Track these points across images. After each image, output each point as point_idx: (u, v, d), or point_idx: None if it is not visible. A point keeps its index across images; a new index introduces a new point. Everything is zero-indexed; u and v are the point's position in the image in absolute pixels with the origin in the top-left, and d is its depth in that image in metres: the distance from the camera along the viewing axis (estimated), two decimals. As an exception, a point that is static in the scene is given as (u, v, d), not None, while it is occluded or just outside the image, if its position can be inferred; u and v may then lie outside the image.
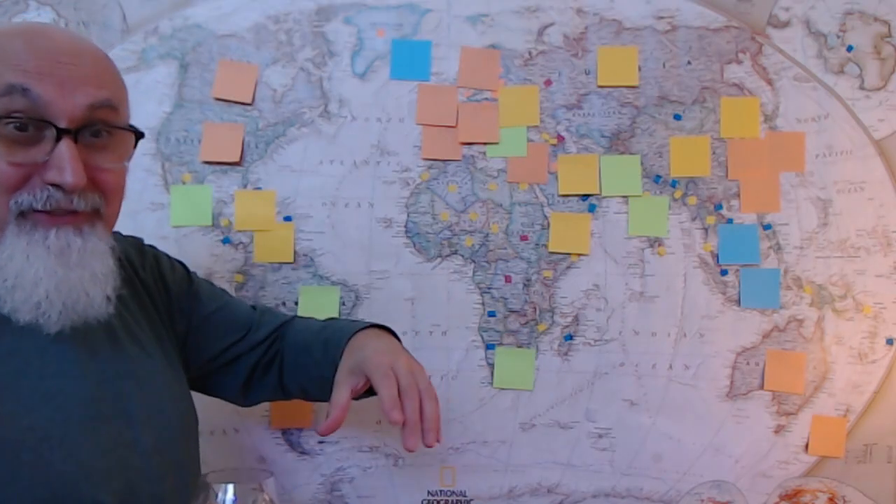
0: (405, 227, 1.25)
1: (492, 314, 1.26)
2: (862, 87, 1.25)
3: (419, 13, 1.25)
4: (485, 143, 1.25)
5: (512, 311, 1.26)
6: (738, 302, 1.25)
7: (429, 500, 1.26)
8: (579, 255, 1.26)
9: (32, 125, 0.65)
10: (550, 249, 1.26)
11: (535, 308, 1.26)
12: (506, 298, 1.26)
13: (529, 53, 1.26)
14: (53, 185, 0.66)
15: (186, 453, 0.83)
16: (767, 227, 1.25)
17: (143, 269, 0.89)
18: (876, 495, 1.26)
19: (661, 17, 1.26)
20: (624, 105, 1.26)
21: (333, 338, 0.91)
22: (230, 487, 0.65)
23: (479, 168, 1.25)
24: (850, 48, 1.25)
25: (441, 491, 1.26)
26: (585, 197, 1.26)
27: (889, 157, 1.25)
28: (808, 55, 1.25)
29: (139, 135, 0.75)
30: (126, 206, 1.18)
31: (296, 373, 0.96)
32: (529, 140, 1.26)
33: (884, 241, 1.25)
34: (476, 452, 1.26)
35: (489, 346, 1.25)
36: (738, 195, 1.25)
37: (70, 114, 0.66)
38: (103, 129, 0.70)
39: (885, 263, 1.25)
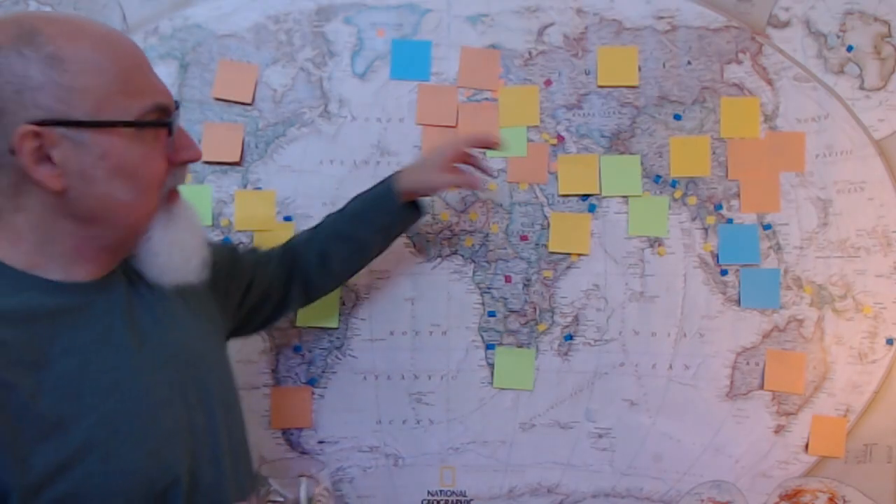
0: (405, 227, 1.25)
1: (492, 314, 1.26)
2: (862, 87, 1.25)
3: (419, 13, 1.25)
4: (485, 143, 1.25)
5: (512, 311, 1.26)
6: (738, 302, 1.25)
7: (429, 500, 1.26)
8: (579, 255, 1.26)
9: (166, 121, 0.75)
10: (550, 249, 1.26)
11: (535, 308, 1.26)
12: (506, 298, 1.25)
13: (529, 53, 1.26)
14: (187, 161, 0.77)
15: (235, 433, 0.87)
16: (767, 227, 1.25)
17: None
18: (876, 495, 1.26)
19: (661, 17, 1.26)
20: (624, 105, 1.26)
21: (377, 192, 1.11)
22: (303, 483, 0.67)
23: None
24: (850, 48, 1.25)
25: (441, 491, 1.26)
26: (585, 197, 1.26)
27: (889, 157, 1.25)
28: (808, 55, 1.25)
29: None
30: (126, 206, 1.19)
31: (346, 247, 1.10)
32: (529, 140, 1.26)
33: (884, 241, 1.25)
34: (476, 452, 1.26)
35: (489, 346, 1.25)
36: (738, 195, 1.25)
37: (172, 103, 0.76)
38: None
39: (885, 263, 1.25)
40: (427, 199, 1.17)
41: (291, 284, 1.09)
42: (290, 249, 1.10)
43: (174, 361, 0.79)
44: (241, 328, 1.06)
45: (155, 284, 0.80)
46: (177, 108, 0.76)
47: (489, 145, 1.12)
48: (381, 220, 1.11)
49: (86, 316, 0.73)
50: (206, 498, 0.76)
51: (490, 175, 1.17)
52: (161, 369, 0.77)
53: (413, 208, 1.13)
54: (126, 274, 0.80)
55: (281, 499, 0.67)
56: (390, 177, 1.10)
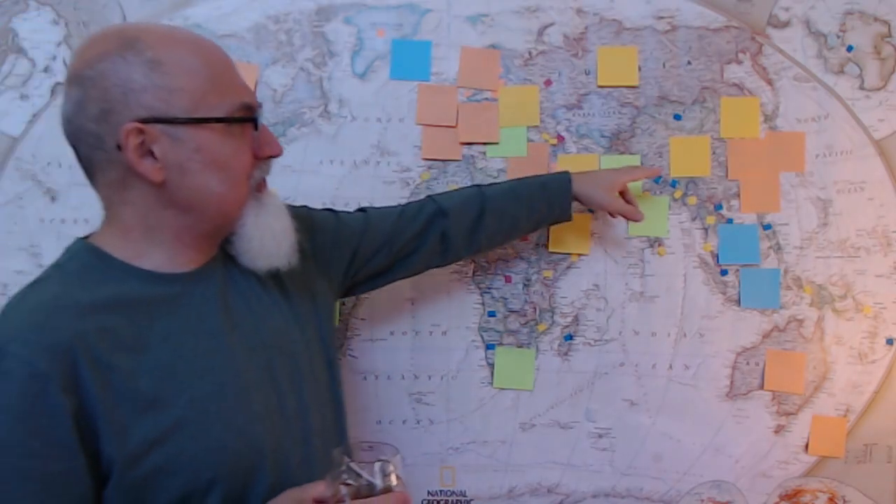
0: (405, 227, 1.24)
1: (492, 314, 1.26)
2: (862, 87, 1.25)
3: (419, 13, 1.25)
4: (485, 143, 1.25)
5: (512, 311, 1.26)
6: (738, 302, 1.25)
7: (429, 500, 1.26)
8: (579, 255, 1.26)
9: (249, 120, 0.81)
10: (550, 249, 1.26)
11: (535, 308, 1.26)
12: (506, 298, 1.26)
13: (529, 53, 1.26)
14: (271, 156, 0.83)
15: (327, 414, 0.92)
16: (767, 227, 1.25)
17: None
18: (876, 495, 1.26)
19: (661, 17, 1.26)
20: (624, 105, 1.26)
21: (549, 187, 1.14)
22: (378, 466, 0.70)
23: (479, 168, 1.25)
24: (850, 48, 1.25)
25: (441, 491, 1.26)
26: (585, 197, 1.26)
27: (889, 157, 1.25)
28: (808, 55, 1.25)
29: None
30: (126, 206, 1.19)
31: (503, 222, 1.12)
32: (529, 140, 1.26)
33: (884, 241, 1.25)
34: (476, 452, 1.26)
35: (489, 346, 1.26)
36: (738, 195, 1.26)
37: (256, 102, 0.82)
38: None
39: (885, 263, 1.25)
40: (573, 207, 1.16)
41: (426, 241, 1.09)
42: (435, 210, 1.09)
43: (266, 346, 0.85)
44: (360, 285, 1.09)
45: (249, 270, 0.86)
46: (260, 107, 0.82)
47: (651, 175, 1.22)
48: (543, 211, 1.13)
49: (182, 305, 0.79)
50: (295, 476, 0.80)
51: (634, 218, 1.18)
52: (253, 353, 0.83)
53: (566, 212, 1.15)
54: (223, 262, 0.86)
55: (356, 481, 0.69)
56: (564, 174, 1.13)
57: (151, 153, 0.75)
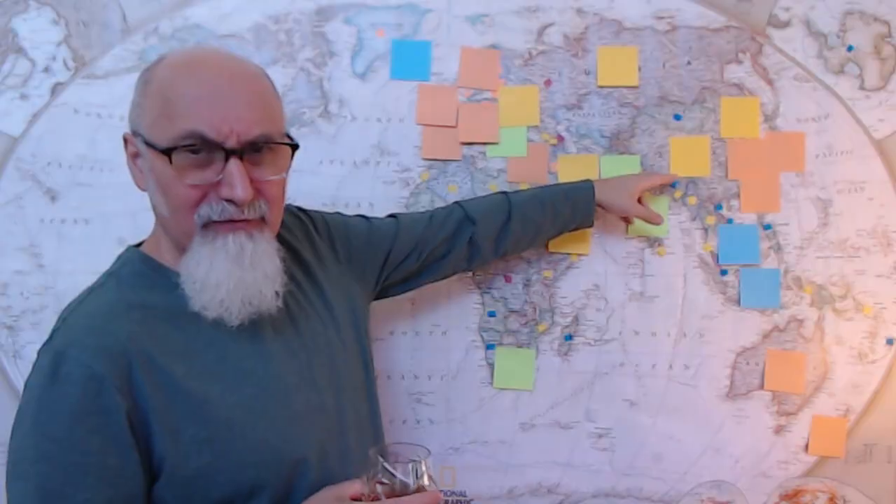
0: (405, 227, 1.24)
1: (492, 314, 1.26)
2: (862, 87, 1.25)
3: (419, 13, 1.25)
4: (485, 143, 1.25)
5: (512, 311, 1.26)
6: (738, 302, 1.25)
7: (429, 500, 1.26)
8: (579, 255, 1.26)
9: (205, 149, 0.76)
10: (550, 249, 1.26)
11: (535, 308, 1.26)
12: (506, 298, 1.25)
13: (529, 53, 1.26)
14: (227, 199, 0.77)
15: (361, 410, 0.95)
16: (767, 227, 1.25)
17: (318, 235, 1.00)
18: (876, 495, 1.26)
19: (661, 17, 1.26)
20: (624, 105, 1.26)
21: (570, 195, 1.17)
22: (411, 466, 0.73)
23: (479, 168, 1.25)
24: (850, 48, 1.25)
25: (441, 491, 1.26)
26: (585, 197, 1.25)
27: (889, 157, 1.25)
28: (809, 55, 1.25)
29: (295, 147, 0.84)
30: (126, 206, 1.19)
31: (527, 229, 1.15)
32: (529, 140, 1.26)
33: (884, 241, 1.25)
34: (476, 452, 1.26)
35: (489, 346, 1.26)
36: (738, 195, 1.25)
37: (235, 136, 0.76)
38: (264, 145, 0.79)
39: (885, 263, 1.25)
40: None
41: (455, 247, 1.11)
42: (463, 217, 1.11)
43: (305, 348, 0.88)
44: (391, 288, 1.11)
45: (290, 273, 0.86)
46: (242, 146, 0.77)
47: (669, 181, 1.25)
48: (567, 217, 1.16)
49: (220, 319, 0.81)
50: (333, 470, 0.84)
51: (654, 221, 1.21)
52: (293, 357, 0.86)
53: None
54: None
55: (391, 480, 0.73)
56: (587, 182, 1.17)
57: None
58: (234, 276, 0.78)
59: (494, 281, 1.26)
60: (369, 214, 1.22)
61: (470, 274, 1.25)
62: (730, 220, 1.25)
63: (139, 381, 0.75)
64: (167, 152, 0.76)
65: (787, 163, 1.25)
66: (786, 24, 1.26)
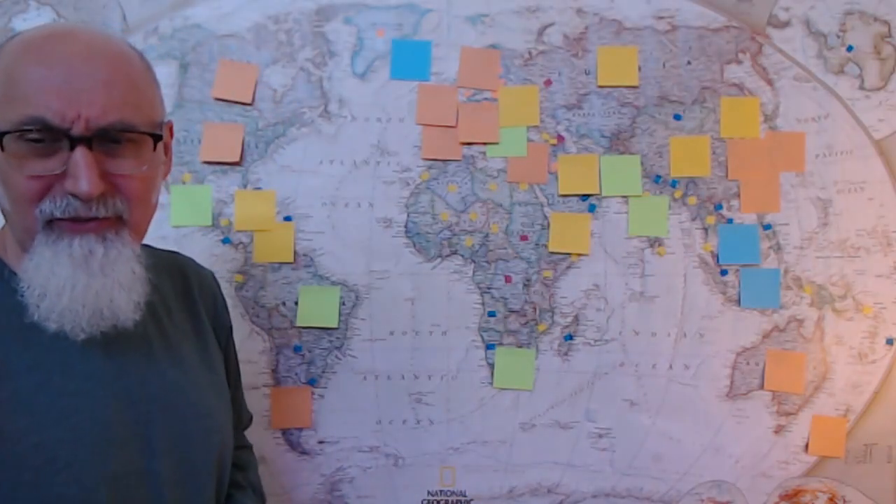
0: (405, 227, 1.25)
1: (492, 314, 1.26)
2: (862, 87, 1.25)
3: (419, 13, 1.25)
4: (485, 143, 1.25)
5: (512, 311, 1.26)
6: (738, 302, 1.25)
7: (429, 500, 1.26)
8: (579, 255, 1.26)
9: (48, 137, 0.66)
10: (550, 249, 1.26)
11: (535, 308, 1.26)
12: (506, 298, 1.26)
13: (529, 53, 1.26)
14: (72, 194, 0.67)
15: (211, 486, 0.80)
16: (767, 227, 1.25)
17: (201, 288, 0.90)
18: (876, 495, 1.26)
19: (661, 17, 1.26)
20: (624, 105, 1.26)
21: None
22: None
23: (479, 168, 1.25)
24: (850, 48, 1.25)
25: (441, 491, 1.26)
26: (585, 197, 1.26)
27: (889, 157, 1.25)
28: (808, 55, 1.25)
29: (157, 137, 0.73)
30: (126, 206, 1.19)
31: None
32: (529, 140, 1.26)
33: (884, 241, 1.25)
34: (476, 452, 1.26)
35: (489, 346, 1.25)
36: (738, 195, 1.25)
37: (84, 122, 0.66)
38: (121, 134, 0.69)
39: (885, 263, 1.25)
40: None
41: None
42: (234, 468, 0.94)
43: (150, 403, 0.74)
44: None
45: (163, 308, 0.76)
46: (92, 133, 0.67)
47: None
48: None
49: (63, 336, 0.69)
50: None
51: None
52: (130, 407, 0.72)
53: None
54: (149, 306, 0.75)
55: None
56: None
57: None
58: (79, 283, 0.68)
59: (494, 281, 1.26)
60: (369, 215, 1.22)
61: (470, 274, 1.25)
62: (730, 220, 1.25)
63: None
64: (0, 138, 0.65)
65: (787, 163, 1.25)
66: (786, 24, 1.26)
